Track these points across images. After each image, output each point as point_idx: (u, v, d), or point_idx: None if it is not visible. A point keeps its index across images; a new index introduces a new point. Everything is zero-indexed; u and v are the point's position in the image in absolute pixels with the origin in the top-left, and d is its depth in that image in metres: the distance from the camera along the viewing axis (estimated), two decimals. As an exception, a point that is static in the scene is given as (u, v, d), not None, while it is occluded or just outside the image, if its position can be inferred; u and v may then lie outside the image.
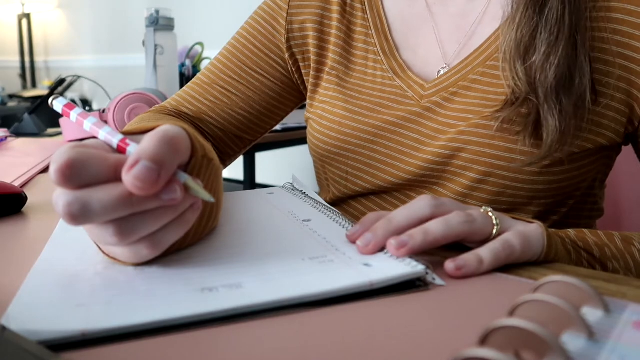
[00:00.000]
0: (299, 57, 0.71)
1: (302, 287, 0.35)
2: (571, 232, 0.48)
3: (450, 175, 0.60)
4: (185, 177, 0.36)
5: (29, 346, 0.26)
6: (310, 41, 0.69)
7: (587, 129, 0.56)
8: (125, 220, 0.34)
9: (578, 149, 0.56)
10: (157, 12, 1.39)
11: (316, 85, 0.70)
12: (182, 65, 1.54)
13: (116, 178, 0.33)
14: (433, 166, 0.60)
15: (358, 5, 0.68)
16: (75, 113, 0.40)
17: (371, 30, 0.66)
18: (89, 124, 0.39)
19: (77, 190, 0.32)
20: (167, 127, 0.35)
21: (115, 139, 0.38)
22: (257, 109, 0.73)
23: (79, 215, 0.32)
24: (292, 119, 1.48)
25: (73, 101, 1.48)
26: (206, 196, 0.36)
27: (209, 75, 0.73)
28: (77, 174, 0.32)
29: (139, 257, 0.37)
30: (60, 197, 0.32)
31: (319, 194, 0.75)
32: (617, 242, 0.49)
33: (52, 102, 0.41)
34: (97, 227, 0.34)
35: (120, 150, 0.37)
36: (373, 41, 0.66)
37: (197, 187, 0.36)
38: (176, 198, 0.34)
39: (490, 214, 0.43)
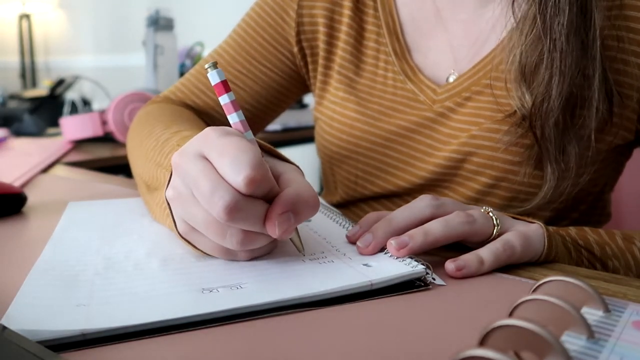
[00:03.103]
0: (307, 51, 0.68)
1: (302, 288, 0.35)
2: (572, 230, 0.48)
3: (462, 180, 0.59)
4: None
5: (29, 346, 0.26)
6: (320, 36, 0.67)
7: (607, 130, 0.55)
8: (252, 233, 0.38)
9: (594, 152, 0.55)
10: (157, 12, 1.39)
11: (325, 82, 0.68)
12: (182, 65, 1.54)
13: (266, 198, 0.37)
14: (445, 170, 0.59)
15: (370, 3, 0.65)
16: (228, 98, 0.40)
17: (383, 29, 0.64)
18: (237, 119, 0.40)
19: (245, 198, 0.35)
20: (312, 190, 0.39)
21: None
22: (264, 103, 0.71)
23: (235, 217, 0.35)
24: (293, 119, 1.48)
25: (73, 102, 1.48)
26: (300, 248, 0.41)
27: None
28: (258, 189, 0.35)
29: (229, 257, 0.40)
30: (227, 194, 0.35)
31: (325, 195, 0.75)
32: (618, 240, 0.49)
33: (207, 69, 0.39)
34: (227, 228, 0.37)
35: None
36: (385, 41, 0.64)
37: (298, 240, 0.41)
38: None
39: (490, 214, 0.43)
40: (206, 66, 0.39)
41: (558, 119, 0.51)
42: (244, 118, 0.40)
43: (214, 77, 0.39)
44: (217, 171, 0.36)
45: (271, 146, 0.42)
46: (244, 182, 0.34)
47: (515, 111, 0.53)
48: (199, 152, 0.37)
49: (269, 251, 0.41)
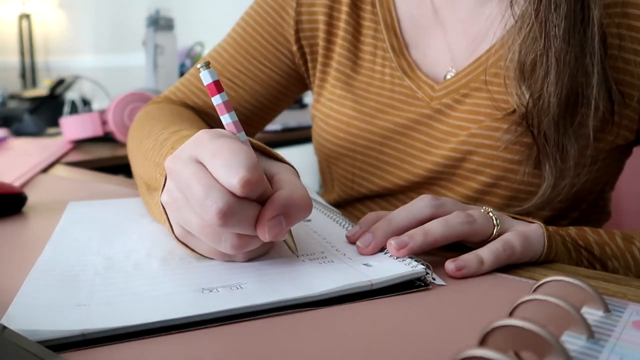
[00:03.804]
0: (306, 49, 0.68)
1: (301, 288, 0.35)
2: (572, 229, 0.48)
3: (461, 179, 0.59)
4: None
5: (29, 346, 0.26)
6: (319, 34, 0.66)
7: (608, 130, 0.55)
8: (247, 236, 0.37)
9: (595, 151, 0.55)
10: (157, 12, 1.39)
11: (323, 80, 0.68)
12: (182, 65, 1.54)
13: (259, 200, 0.37)
14: (443, 169, 0.59)
15: None
16: (221, 98, 0.39)
17: (380, 25, 0.64)
18: (229, 120, 0.39)
19: (240, 201, 0.35)
20: (305, 192, 0.38)
21: None
22: (263, 102, 0.71)
23: (228, 221, 0.35)
24: (293, 119, 1.48)
25: (73, 102, 1.48)
26: (294, 250, 0.41)
27: (215, 65, 0.70)
28: (253, 191, 0.35)
29: (227, 259, 0.40)
30: (220, 198, 0.34)
31: (323, 194, 0.75)
32: (618, 240, 0.49)
33: (200, 69, 0.38)
34: (222, 232, 0.36)
35: None
36: (382, 37, 0.64)
37: (292, 242, 0.41)
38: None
39: (490, 214, 0.43)
40: (198, 66, 0.39)
41: (556, 117, 0.51)
42: (236, 119, 0.39)
43: (206, 77, 0.39)
44: (210, 175, 0.35)
45: (264, 145, 0.42)
46: (239, 184, 0.34)
47: (515, 110, 0.53)
48: (191, 156, 0.37)
49: (266, 251, 0.41)
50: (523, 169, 0.55)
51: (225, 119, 0.39)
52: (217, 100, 0.39)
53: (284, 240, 0.41)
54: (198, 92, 0.71)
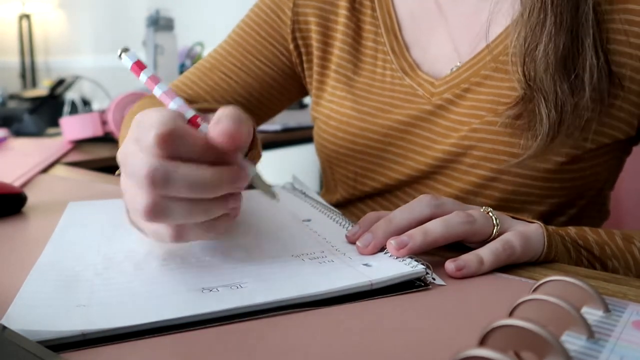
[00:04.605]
0: (302, 49, 0.69)
1: (302, 287, 0.35)
2: (572, 229, 0.48)
3: (460, 174, 0.59)
4: (254, 172, 0.37)
5: (29, 346, 0.26)
6: (314, 35, 0.67)
7: (607, 123, 0.55)
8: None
9: (595, 144, 0.55)
10: (157, 12, 1.39)
11: (322, 82, 0.68)
12: (182, 65, 1.55)
13: (199, 160, 0.34)
14: (443, 164, 0.59)
15: (367, 3, 0.66)
16: (145, 75, 0.39)
17: (380, 28, 0.65)
18: (160, 91, 0.39)
19: (164, 160, 0.33)
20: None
21: (187, 114, 0.37)
22: (257, 97, 0.71)
23: (158, 183, 0.33)
24: (293, 119, 1.48)
25: (73, 102, 1.48)
26: (271, 194, 0.38)
27: (211, 60, 0.71)
28: (174, 146, 0.33)
29: (159, 239, 0.37)
30: (145, 161, 0.33)
31: (325, 195, 0.75)
32: (618, 240, 0.49)
33: (120, 54, 0.39)
34: (167, 202, 0.34)
35: (192, 125, 0.37)
36: (382, 40, 0.64)
37: (264, 183, 0.38)
38: (243, 184, 0.36)
39: (490, 214, 0.43)
40: (119, 52, 0.39)
41: (552, 69, 0.51)
42: (167, 88, 0.39)
43: (126, 60, 0.39)
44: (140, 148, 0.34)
45: (214, 107, 0.41)
46: (154, 140, 0.32)
47: (517, 103, 0.53)
48: (131, 139, 0.36)
49: (232, 219, 0.38)
50: (523, 150, 0.55)
51: (156, 91, 0.39)
52: (143, 77, 0.39)
53: (257, 185, 0.38)
54: (190, 84, 0.71)
